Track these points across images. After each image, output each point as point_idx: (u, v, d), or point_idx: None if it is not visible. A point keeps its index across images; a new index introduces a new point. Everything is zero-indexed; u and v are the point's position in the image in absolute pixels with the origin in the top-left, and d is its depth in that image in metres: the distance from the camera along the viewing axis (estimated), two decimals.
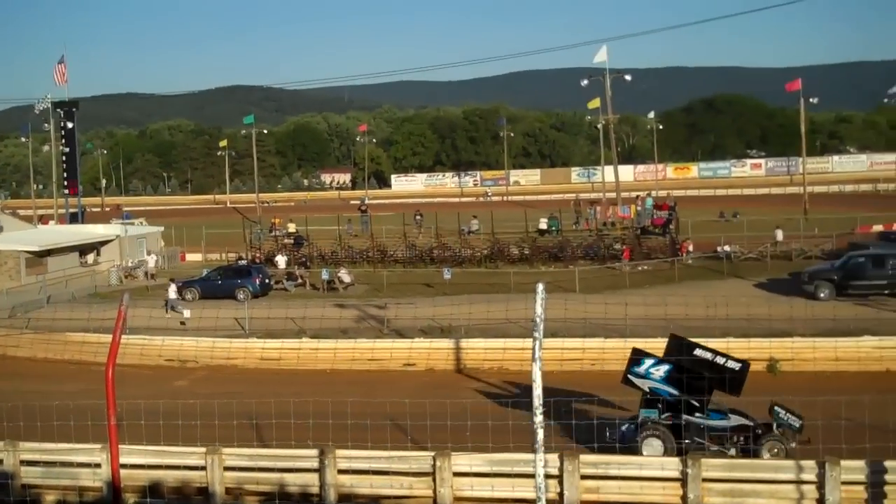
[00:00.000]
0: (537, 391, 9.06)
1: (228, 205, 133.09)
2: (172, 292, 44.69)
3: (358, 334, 36.73)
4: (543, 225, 68.39)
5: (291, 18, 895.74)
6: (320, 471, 16.35)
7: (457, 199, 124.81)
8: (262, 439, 19.53)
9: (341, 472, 16.40)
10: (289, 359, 34.37)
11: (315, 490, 16.48)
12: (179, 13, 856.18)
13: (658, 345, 22.57)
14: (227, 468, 16.90)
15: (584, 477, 15.75)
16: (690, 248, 55.63)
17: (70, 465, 17.55)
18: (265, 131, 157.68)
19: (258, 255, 60.68)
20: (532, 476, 10.02)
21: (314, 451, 16.57)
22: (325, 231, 69.40)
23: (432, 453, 16.15)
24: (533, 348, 9.09)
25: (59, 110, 77.15)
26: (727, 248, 52.93)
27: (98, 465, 17.10)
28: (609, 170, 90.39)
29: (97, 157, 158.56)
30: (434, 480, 15.99)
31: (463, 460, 16.11)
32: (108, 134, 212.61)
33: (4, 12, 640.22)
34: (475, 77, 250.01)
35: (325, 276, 50.23)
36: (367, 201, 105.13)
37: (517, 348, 30.57)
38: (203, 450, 16.95)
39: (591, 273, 48.71)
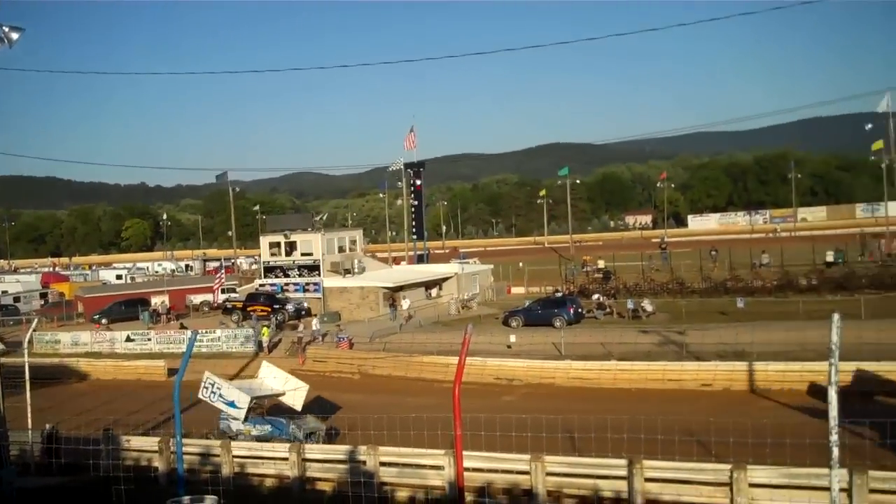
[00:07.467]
0: (833, 412, 8.57)
1: (546, 245, 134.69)
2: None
3: (659, 357, 36.08)
4: (830, 257, 64.78)
5: (596, 84, 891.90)
6: (629, 478, 16.03)
7: (748, 236, 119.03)
8: (579, 449, 19.45)
9: (648, 480, 16.00)
10: (598, 378, 34.29)
11: (624, 495, 16.16)
12: (504, 84, 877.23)
13: None
14: (549, 473, 16.94)
15: (872, 491, 14.54)
16: None
17: (420, 467, 18.15)
18: (577, 181, 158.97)
19: (572, 287, 61.19)
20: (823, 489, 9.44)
21: (624, 461, 16.28)
22: (630, 266, 69.00)
23: (729, 465, 15.48)
24: (829, 373, 8.59)
25: (409, 170, 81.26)
26: None
27: (442, 468, 17.61)
28: (893, 205, 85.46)
29: (439, 208, 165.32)
30: (731, 490, 15.32)
31: (759, 473, 15.31)
32: (447, 188, 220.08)
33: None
34: (762, 126, 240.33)
35: (630, 305, 49.98)
36: (666, 239, 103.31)
37: (811, 371, 29.32)
38: (528, 457, 17.11)
39: (877, 301, 45.39)
